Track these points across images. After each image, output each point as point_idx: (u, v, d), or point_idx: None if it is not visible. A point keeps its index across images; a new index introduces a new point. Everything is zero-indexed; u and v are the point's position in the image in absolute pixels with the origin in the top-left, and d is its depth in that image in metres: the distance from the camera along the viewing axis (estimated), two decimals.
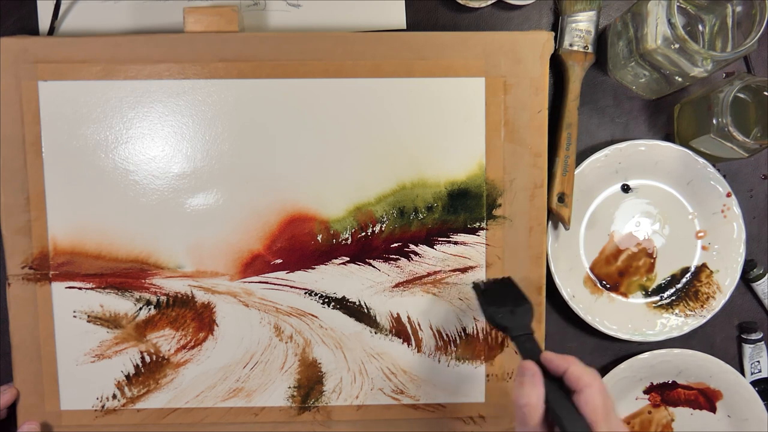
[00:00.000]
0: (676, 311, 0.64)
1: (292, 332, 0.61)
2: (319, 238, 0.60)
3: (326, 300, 0.60)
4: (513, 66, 0.59)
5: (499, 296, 0.57)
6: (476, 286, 0.59)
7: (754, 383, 0.65)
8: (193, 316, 0.60)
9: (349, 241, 0.60)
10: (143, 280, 0.60)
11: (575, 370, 0.46)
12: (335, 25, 0.63)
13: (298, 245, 0.60)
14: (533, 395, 0.46)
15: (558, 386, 0.47)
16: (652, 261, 0.64)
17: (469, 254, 0.60)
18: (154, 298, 0.60)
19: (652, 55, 0.56)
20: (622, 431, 0.46)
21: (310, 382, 0.61)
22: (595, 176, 0.63)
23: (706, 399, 0.65)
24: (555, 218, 0.62)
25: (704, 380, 0.64)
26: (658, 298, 0.64)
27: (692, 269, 0.65)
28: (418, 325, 0.61)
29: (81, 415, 0.60)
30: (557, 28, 0.62)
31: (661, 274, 0.64)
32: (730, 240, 0.63)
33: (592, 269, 0.64)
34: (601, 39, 0.63)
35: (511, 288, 0.57)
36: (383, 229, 0.60)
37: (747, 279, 0.65)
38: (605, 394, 0.46)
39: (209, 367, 0.61)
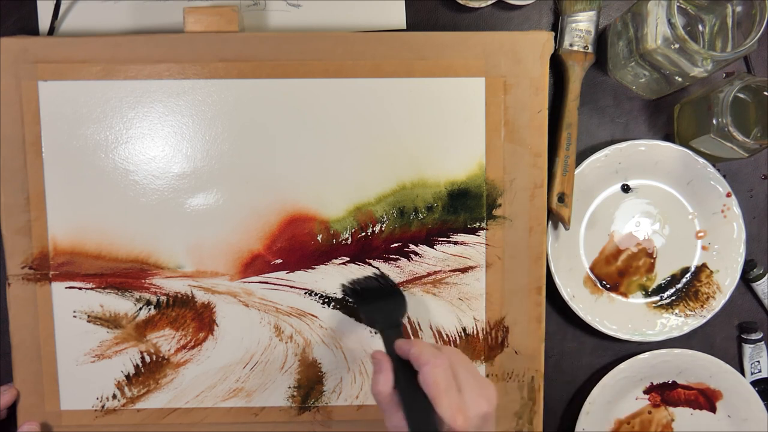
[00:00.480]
0: (676, 311, 0.64)
1: (292, 332, 0.61)
2: (319, 238, 0.60)
3: (326, 300, 0.60)
4: (513, 66, 0.59)
5: (371, 293, 0.58)
6: (346, 289, 0.59)
7: (754, 383, 0.65)
8: (193, 316, 0.60)
9: (349, 241, 0.60)
10: (143, 280, 0.60)
11: (415, 350, 0.48)
12: (335, 25, 0.63)
13: (298, 245, 0.60)
14: (381, 381, 0.48)
15: (408, 369, 0.48)
16: (652, 261, 0.64)
17: (469, 254, 0.60)
18: (154, 298, 0.60)
19: (652, 55, 0.56)
20: (476, 407, 0.45)
21: (310, 382, 0.61)
22: (595, 176, 0.63)
23: (706, 399, 0.65)
24: (555, 218, 0.62)
25: (704, 380, 0.64)
26: (658, 298, 0.64)
27: (692, 269, 0.65)
28: (418, 325, 0.61)
29: (81, 415, 0.60)
30: (557, 28, 0.62)
31: (661, 274, 0.64)
32: (730, 240, 0.63)
33: (592, 269, 0.64)
34: (601, 39, 0.63)
35: (383, 281, 0.58)
36: (383, 229, 0.60)
37: (747, 279, 0.65)
38: (451, 368, 0.47)
39: (209, 367, 0.61)
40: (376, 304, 0.56)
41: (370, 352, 0.60)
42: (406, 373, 0.48)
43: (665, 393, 0.65)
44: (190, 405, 0.61)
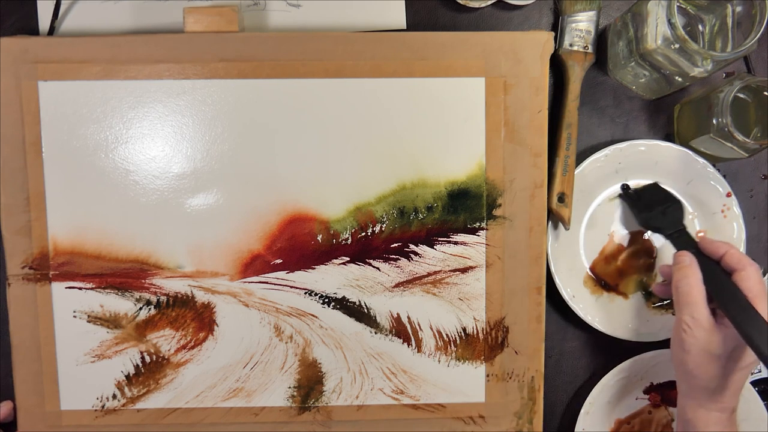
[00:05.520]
0: None
1: (292, 332, 0.61)
2: (319, 238, 0.60)
3: (326, 300, 0.60)
4: (513, 66, 0.59)
5: (648, 201, 0.61)
6: (626, 195, 0.63)
7: (754, 383, 0.65)
8: (193, 316, 0.60)
9: (349, 241, 0.60)
10: (143, 280, 0.60)
11: (735, 252, 0.52)
12: (335, 25, 0.63)
13: (298, 245, 0.60)
14: (693, 278, 0.51)
15: (715, 269, 0.51)
16: (652, 261, 0.64)
17: (469, 254, 0.60)
18: (154, 298, 0.60)
19: (652, 55, 0.56)
20: None
21: (310, 382, 0.61)
22: (595, 176, 0.63)
23: None
24: (555, 218, 0.62)
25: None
26: (658, 298, 0.64)
27: None
28: (418, 325, 0.61)
29: (81, 415, 0.60)
30: (557, 28, 0.62)
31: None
32: (730, 240, 0.63)
33: (592, 269, 0.64)
34: (601, 39, 0.63)
35: (658, 191, 0.62)
36: (383, 229, 0.60)
37: None
38: (760, 276, 0.51)
39: (209, 367, 0.61)
40: (656, 210, 0.60)
41: (371, 353, 0.61)
42: (712, 272, 0.51)
43: (665, 393, 0.65)
44: (190, 405, 0.61)
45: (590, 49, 0.61)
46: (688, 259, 0.53)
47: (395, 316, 0.61)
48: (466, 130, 0.59)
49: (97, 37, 0.58)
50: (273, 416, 0.61)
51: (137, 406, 0.61)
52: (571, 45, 0.61)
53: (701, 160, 0.62)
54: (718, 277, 0.51)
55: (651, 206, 0.61)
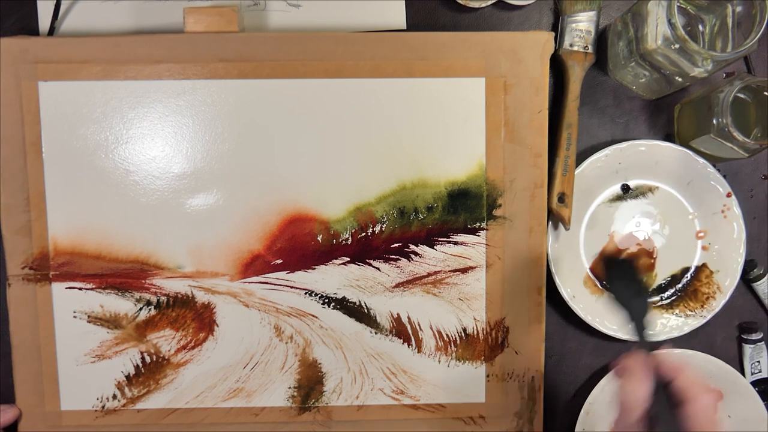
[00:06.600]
0: (676, 311, 0.64)
1: (293, 332, 0.61)
2: (320, 238, 0.60)
3: (326, 300, 0.60)
4: (513, 66, 0.59)
5: (623, 276, 0.56)
6: (607, 261, 0.62)
7: (754, 383, 0.65)
8: (193, 317, 0.60)
9: (349, 242, 0.60)
10: (143, 281, 0.60)
11: (684, 381, 0.45)
12: (335, 25, 0.63)
13: (298, 245, 0.60)
14: (637, 392, 0.45)
15: (664, 390, 0.46)
16: (652, 261, 0.64)
17: (469, 254, 0.60)
18: (154, 299, 0.60)
19: (652, 55, 0.56)
20: None
21: (310, 383, 0.61)
22: (595, 176, 0.63)
23: None
24: (555, 218, 0.62)
25: (704, 380, 0.64)
26: (658, 298, 0.64)
27: (692, 269, 0.65)
28: (418, 325, 0.61)
29: (81, 416, 0.60)
30: (557, 28, 0.62)
31: (661, 274, 0.64)
32: (731, 240, 0.63)
33: (592, 269, 0.64)
34: (601, 39, 0.63)
35: (634, 272, 0.57)
36: (383, 229, 0.60)
37: (747, 279, 0.65)
38: (711, 410, 0.44)
39: (209, 367, 0.61)
40: (629, 291, 0.53)
41: (371, 353, 0.61)
42: (660, 394, 0.46)
43: None
44: (191, 405, 0.61)
45: (590, 49, 0.61)
46: (640, 369, 0.47)
47: (395, 316, 0.61)
48: (466, 130, 0.59)
49: (97, 37, 0.58)
50: (273, 416, 0.61)
51: (137, 406, 0.61)
52: (571, 45, 0.61)
53: (701, 160, 0.62)
54: (662, 402, 0.46)
55: (624, 283, 0.54)
